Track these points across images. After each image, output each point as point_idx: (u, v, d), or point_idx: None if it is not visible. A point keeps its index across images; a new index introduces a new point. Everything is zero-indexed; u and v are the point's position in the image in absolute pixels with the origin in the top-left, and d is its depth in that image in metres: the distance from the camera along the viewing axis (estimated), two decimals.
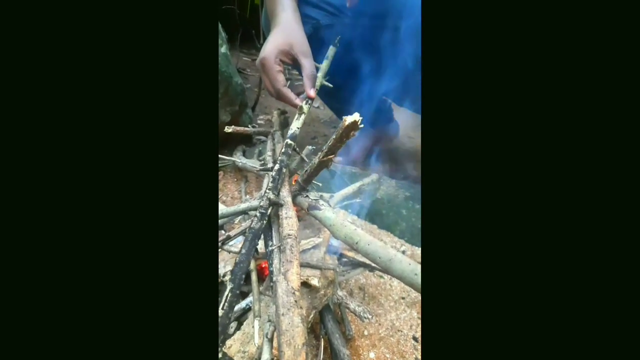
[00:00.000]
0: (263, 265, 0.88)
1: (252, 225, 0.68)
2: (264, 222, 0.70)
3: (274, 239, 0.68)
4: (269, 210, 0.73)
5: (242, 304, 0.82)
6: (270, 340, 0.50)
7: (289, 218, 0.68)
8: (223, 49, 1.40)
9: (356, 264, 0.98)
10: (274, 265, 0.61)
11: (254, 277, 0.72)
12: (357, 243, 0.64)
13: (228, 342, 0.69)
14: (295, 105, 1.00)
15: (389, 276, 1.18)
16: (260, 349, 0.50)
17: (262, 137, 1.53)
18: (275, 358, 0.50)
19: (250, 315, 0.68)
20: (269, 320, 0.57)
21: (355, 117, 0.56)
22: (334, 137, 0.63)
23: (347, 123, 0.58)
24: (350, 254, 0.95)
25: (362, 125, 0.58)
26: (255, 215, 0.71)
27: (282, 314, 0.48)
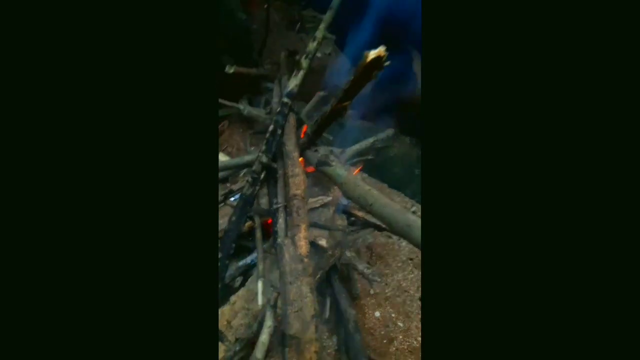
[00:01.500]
0: (269, 222, 0.84)
1: (243, 191, 0.63)
2: (257, 187, 0.65)
3: (279, 196, 0.62)
4: (262, 175, 0.68)
5: (248, 259, 0.80)
6: (273, 307, 0.46)
7: (295, 176, 0.61)
8: None
9: (365, 224, 0.93)
10: (278, 225, 0.55)
11: (258, 234, 0.68)
12: (371, 205, 0.58)
13: (232, 298, 0.67)
14: None
15: (398, 237, 1.15)
16: (263, 311, 0.47)
17: (270, 85, 1.40)
18: (277, 325, 0.47)
19: (255, 271, 0.65)
20: (272, 286, 0.54)
21: (380, 51, 0.45)
22: (352, 77, 0.53)
23: (369, 59, 0.47)
24: (360, 213, 0.90)
25: (387, 63, 0.47)
26: (247, 180, 0.65)
27: (290, 283, 0.44)
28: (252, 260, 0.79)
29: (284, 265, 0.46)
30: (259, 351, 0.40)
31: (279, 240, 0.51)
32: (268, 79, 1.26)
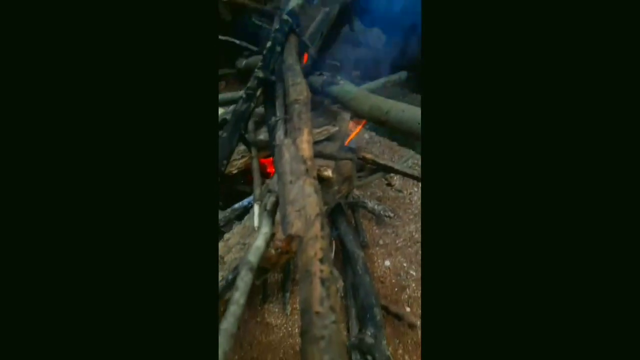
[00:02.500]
0: (265, 163, 0.76)
1: (237, 108, 0.55)
2: (252, 104, 0.57)
3: (277, 111, 0.53)
4: (258, 92, 0.60)
5: (244, 201, 0.72)
6: (271, 213, 0.38)
7: (297, 84, 0.51)
8: None
9: (374, 169, 0.84)
10: (277, 137, 0.47)
11: (255, 164, 0.60)
12: (387, 113, 0.49)
13: (226, 236, 0.59)
14: None
15: (408, 191, 1.07)
16: (259, 225, 0.39)
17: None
18: (275, 232, 0.39)
19: (251, 200, 0.57)
20: (270, 191, 0.45)
21: None
22: None
23: None
24: (369, 155, 0.81)
25: None
26: (242, 97, 0.57)
27: (290, 182, 0.36)
28: (249, 202, 0.71)
29: (283, 165, 0.37)
30: (253, 254, 0.32)
31: (277, 143, 0.42)
32: (264, 12, 1.15)
